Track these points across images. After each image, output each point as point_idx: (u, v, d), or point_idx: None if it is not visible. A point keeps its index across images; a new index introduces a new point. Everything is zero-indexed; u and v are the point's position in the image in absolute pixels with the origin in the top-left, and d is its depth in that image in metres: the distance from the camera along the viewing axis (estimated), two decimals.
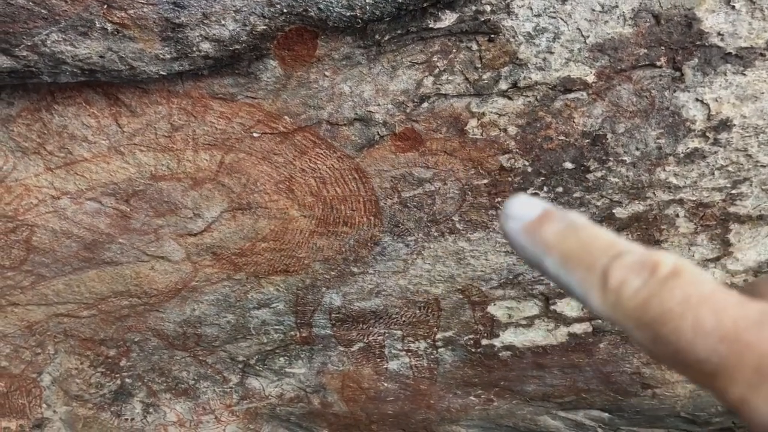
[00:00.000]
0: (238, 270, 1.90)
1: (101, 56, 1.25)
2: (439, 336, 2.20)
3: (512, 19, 1.34)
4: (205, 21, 1.22)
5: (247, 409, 2.62)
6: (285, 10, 1.23)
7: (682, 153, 1.57)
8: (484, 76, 1.43)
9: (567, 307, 2.02)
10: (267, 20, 1.24)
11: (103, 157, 1.53)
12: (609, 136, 1.53)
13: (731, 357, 0.38)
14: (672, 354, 0.41)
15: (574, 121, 1.50)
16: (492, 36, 1.36)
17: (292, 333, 2.24)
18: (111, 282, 1.90)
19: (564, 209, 0.48)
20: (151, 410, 2.49)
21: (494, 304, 2.05)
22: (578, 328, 2.09)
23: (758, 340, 0.36)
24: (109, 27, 1.20)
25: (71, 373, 2.25)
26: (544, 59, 1.40)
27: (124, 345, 2.20)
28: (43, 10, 1.16)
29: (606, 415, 2.51)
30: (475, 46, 1.38)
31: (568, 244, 0.46)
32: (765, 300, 0.41)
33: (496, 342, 2.18)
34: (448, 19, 1.32)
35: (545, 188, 1.64)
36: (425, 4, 1.28)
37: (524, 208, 0.49)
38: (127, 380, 2.37)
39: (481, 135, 1.53)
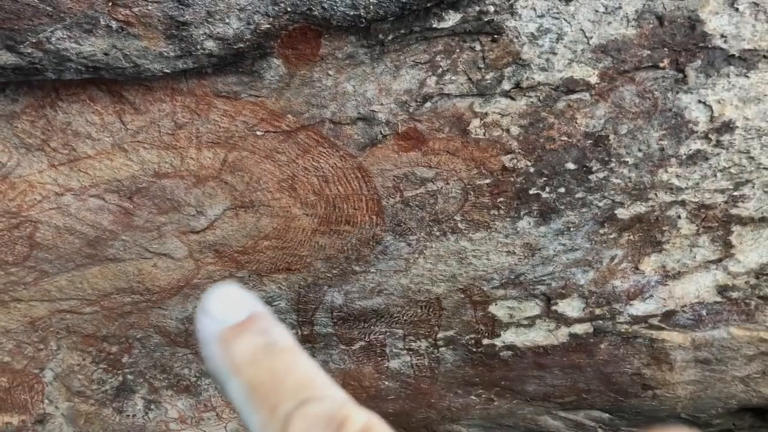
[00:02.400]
0: (240, 268, 1.90)
1: (106, 54, 1.26)
2: (440, 335, 2.20)
3: (516, 20, 1.34)
4: (209, 19, 1.23)
5: None
6: (289, 9, 1.23)
7: (685, 154, 1.57)
8: (487, 77, 1.43)
9: (568, 307, 2.02)
10: (271, 19, 1.25)
11: (106, 154, 1.53)
12: (611, 137, 1.53)
13: None
14: None
15: (576, 122, 1.50)
16: (495, 36, 1.37)
17: (294, 331, 2.25)
18: (113, 279, 1.91)
19: (275, 318, 0.38)
20: (152, 407, 2.49)
21: (495, 304, 2.05)
22: (579, 329, 2.09)
23: None
24: (114, 24, 1.21)
25: (73, 369, 2.26)
26: (547, 60, 1.40)
27: (126, 341, 2.21)
28: (48, 7, 1.16)
29: (606, 415, 2.51)
30: (478, 46, 1.38)
31: (259, 371, 0.36)
32: None
33: (497, 342, 2.18)
34: (452, 19, 1.32)
35: (547, 189, 1.64)
36: (429, 4, 1.28)
37: (227, 308, 0.39)
38: (129, 377, 2.38)
39: (484, 135, 1.53)
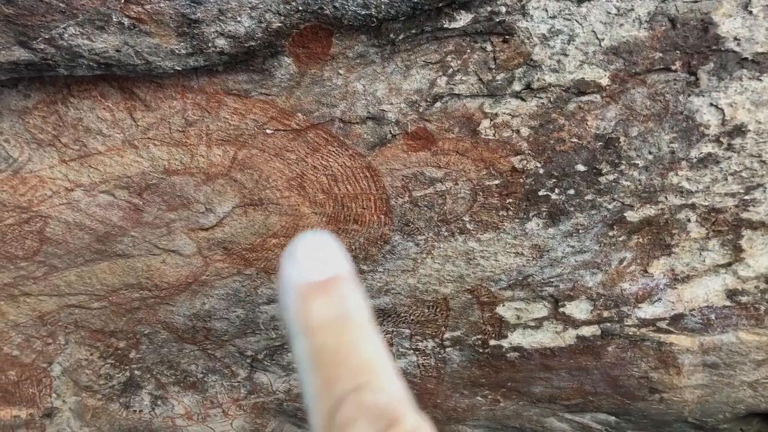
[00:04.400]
0: (248, 265, 1.90)
1: (117, 50, 1.26)
2: (447, 335, 2.20)
3: (527, 21, 1.33)
4: (221, 17, 1.23)
5: (254, 403, 2.63)
6: (300, 8, 1.24)
7: (695, 158, 1.56)
8: (498, 77, 1.43)
9: (576, 309, 2.02)
10: (282, 17, 1.25)
11: (117, 151, 1.54)
12: (622, 139, 1.52)
13: None
14: None
15: (587, 124, 1.50)
16: (507, 37, 1.36)
17: None
18: (122, 274, 1.91)
19: (357, 284, 0.38)
20: (159, 402, 2.50)
21: (503, 305, 2.04)
22: (587, 331, 2.09)
23: None
24: (126, 21, 1.21)
25: (81, 364, 2.27)
26: (559, 61, 1.39)
27: (133, 337, 2.22)
28: (61, 4, 1.17)
29: (613, 418, 2.50)
30: (489, 47, 1.38)
31: (328, 340, 0.36)
32: None
33: (504, 343, 2.18)
34: (463, 19, 1.32)
35: (556, 190, 1.64)
36: (440, 4, 1.28)
37: (315, 261, 0.38)
38: (136, 372, 2.39)
39: (494, 136, 1.53)
